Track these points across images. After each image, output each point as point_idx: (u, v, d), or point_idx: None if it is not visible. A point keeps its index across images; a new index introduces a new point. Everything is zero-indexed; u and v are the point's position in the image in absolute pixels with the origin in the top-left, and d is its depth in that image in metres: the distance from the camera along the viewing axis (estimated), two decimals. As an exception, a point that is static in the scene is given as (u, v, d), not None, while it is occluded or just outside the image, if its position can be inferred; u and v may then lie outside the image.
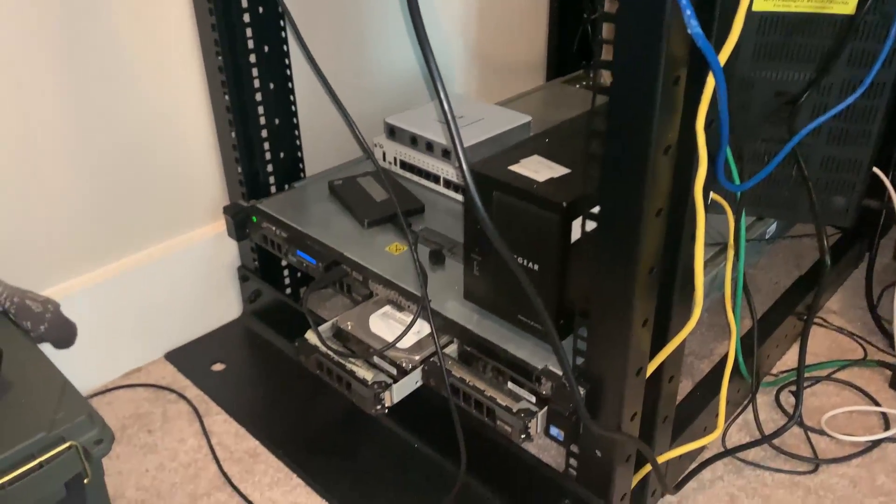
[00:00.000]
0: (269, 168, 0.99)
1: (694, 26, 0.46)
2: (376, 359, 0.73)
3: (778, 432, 0.81)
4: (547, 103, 1.27)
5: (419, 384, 0.73)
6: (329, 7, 1.04)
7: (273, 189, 1.00)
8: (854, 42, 0.80)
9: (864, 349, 0.99)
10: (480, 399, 0.68)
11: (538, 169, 0.67)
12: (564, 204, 0.62)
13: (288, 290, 1.06)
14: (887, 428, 0.87)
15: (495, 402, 0.67)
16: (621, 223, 0.55)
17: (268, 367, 0.97)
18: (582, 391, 0.64)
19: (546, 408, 0.66)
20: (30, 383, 0.65)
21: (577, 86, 1.42)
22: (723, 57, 0.50)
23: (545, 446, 0.85)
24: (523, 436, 0.66)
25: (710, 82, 0.53)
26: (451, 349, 0.74)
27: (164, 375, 0.96)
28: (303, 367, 0.94)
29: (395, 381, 0.71)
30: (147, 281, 0.95)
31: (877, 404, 0.91)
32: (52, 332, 0.75)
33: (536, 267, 0.66)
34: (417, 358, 0.72)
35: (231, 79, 0.90)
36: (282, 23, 0.93)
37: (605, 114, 0.53)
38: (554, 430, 0.66)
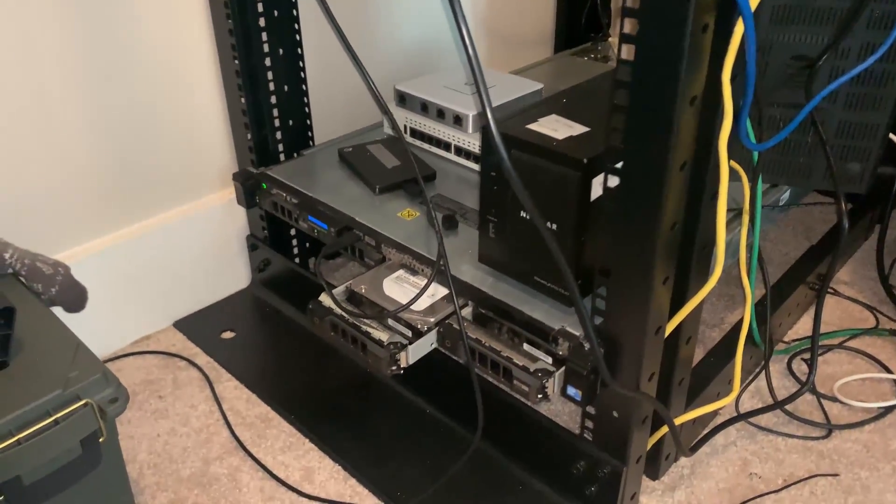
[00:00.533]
0: (278, 136, 0.97)
1: (726, -32, 0.45)
2: (391, 321, 0.73)
3: (791, 398, 0.81)
4: (556, 74, 1.26)
5: (434, 346, 0.73)
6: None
7: (282, 157, 0.99)
8: (874, 3, 0.79)
9: (877, 318, 0.99)
10: (497, 359, 0.68)
11: (557, 128, 0.66)
12: (585, 160, 0.61)
13: (296, 260, 1.05)
14: (900, 395, 0.87)
15: (512, 361, 0.67)
16: (645, 176, 0.54)
17: (278, 335, 0.97)
18: (601, 351, 0.64)
19: (563, 367, 0.66)
20: (43, 343, 0.64)
21: (586, 58, 1.41)
22: (753, 2, 0.49)
23: (557, 412, 0.85)
24: (540, 395, 0.65)
25: (738, 31, 0.52)
26: (466, 312, 0.74)
27: (173, 343, 0.95)
28: (313, 335, 0.94)
29: (411, 342, 0.70)
30: (156, 248, 0.94)
31: (889, 372, 0.91)
32: (63, 295, 0.74)
33: (555, 226, 0.65)
34: (432, 320, 0.72)
35: (241, 43, 0.88)
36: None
37: (630, 64, 0.52)
38: (571, 391, 0.66)
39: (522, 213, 0.67)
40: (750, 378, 0.89)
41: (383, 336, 0.71)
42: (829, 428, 0.83)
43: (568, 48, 1.43)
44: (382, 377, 0.88)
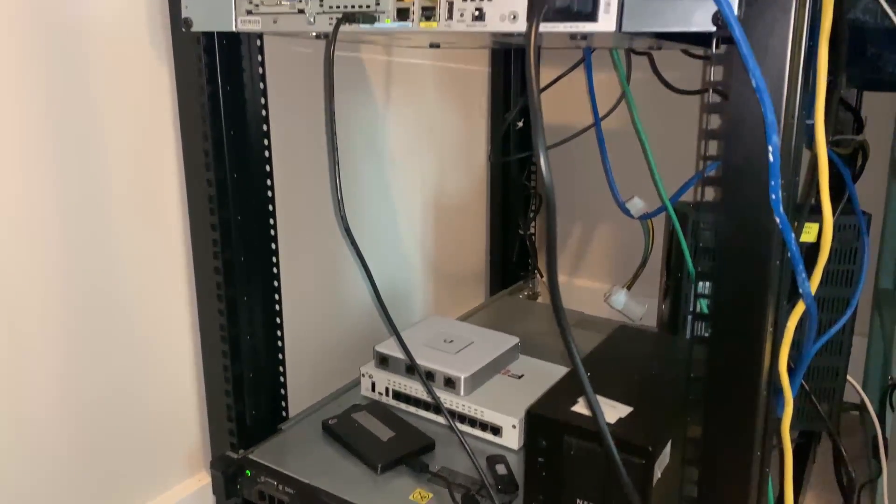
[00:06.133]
0: (255, 411, 0.90)
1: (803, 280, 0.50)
2: None
3: None
4: (505, 317, 1.29)
5: None
6: (308, 236, 1.03)
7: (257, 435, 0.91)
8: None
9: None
10: None
11: (602, 409, 0.66)
12: (650, 448, 0.61)
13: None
14: None
15: None
16: (733, 463, 0.55)
17: None
18: None
19: None
20: None
21: (521, 295, 1.48)
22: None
23: None
24: None
25: (793, 322, 0.57)
26: None
27: None
28: None
29: None
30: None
31: None
32: None
33: (617, 515, 0.63)
34: None
35: (229, 312, 0.84)
36: (273, 246, 0.90)
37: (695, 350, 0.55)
38: None
39: (579, 501, 0.65)
40: None
41: None
42: None
43: (501, 284, 1.49)
44: None
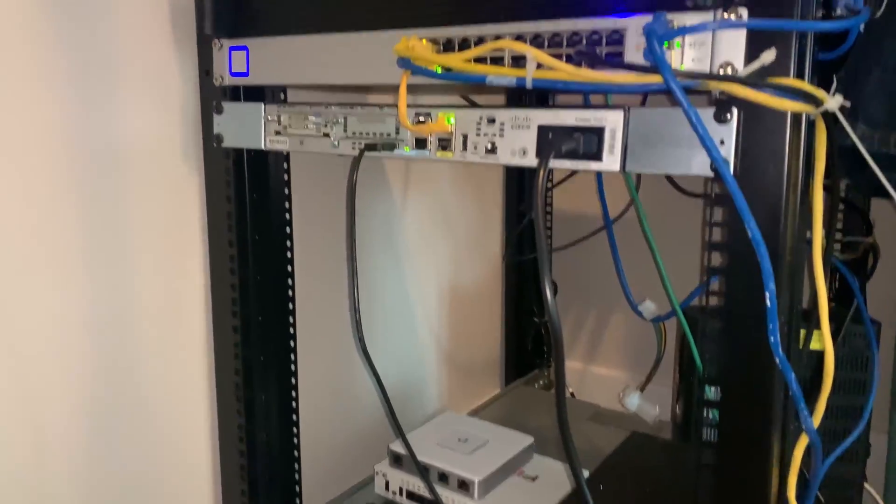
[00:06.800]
0: (269, 508, 0.91)
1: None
2: None
3: None
4: (520, 410, 1.29)
5: None
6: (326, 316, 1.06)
7: (270, 531, 0.92)
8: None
9: None
10: None
11: (613, 527, 0.67)
12: (661, 573, 0.61)
13: None
14: None
15: None
16: None
17: None
18: None
19: None
20: None
21: (536, 385, 1.49)
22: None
23: None
24: None
25: (799, 450, 0.58)
26: None
27: None
28: None
29: None
30: None
31: None
32: None
33: None
34: None
35: (247, 414, 0.86)
36: (292, 344, 0.93)
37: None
38: None
39: None
40: None
41: None
42: None
43: (516, 373, 1.50)
44: None
